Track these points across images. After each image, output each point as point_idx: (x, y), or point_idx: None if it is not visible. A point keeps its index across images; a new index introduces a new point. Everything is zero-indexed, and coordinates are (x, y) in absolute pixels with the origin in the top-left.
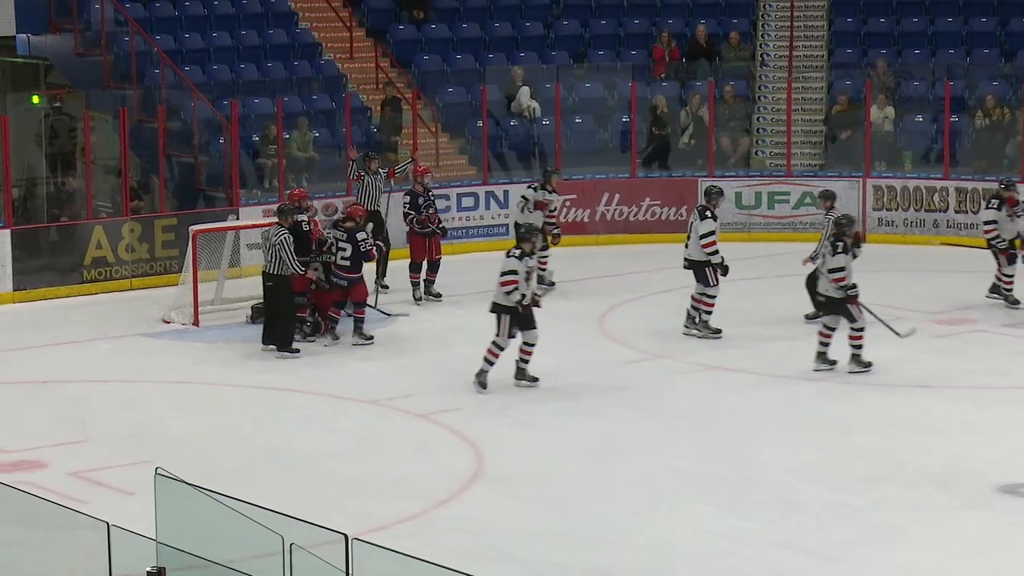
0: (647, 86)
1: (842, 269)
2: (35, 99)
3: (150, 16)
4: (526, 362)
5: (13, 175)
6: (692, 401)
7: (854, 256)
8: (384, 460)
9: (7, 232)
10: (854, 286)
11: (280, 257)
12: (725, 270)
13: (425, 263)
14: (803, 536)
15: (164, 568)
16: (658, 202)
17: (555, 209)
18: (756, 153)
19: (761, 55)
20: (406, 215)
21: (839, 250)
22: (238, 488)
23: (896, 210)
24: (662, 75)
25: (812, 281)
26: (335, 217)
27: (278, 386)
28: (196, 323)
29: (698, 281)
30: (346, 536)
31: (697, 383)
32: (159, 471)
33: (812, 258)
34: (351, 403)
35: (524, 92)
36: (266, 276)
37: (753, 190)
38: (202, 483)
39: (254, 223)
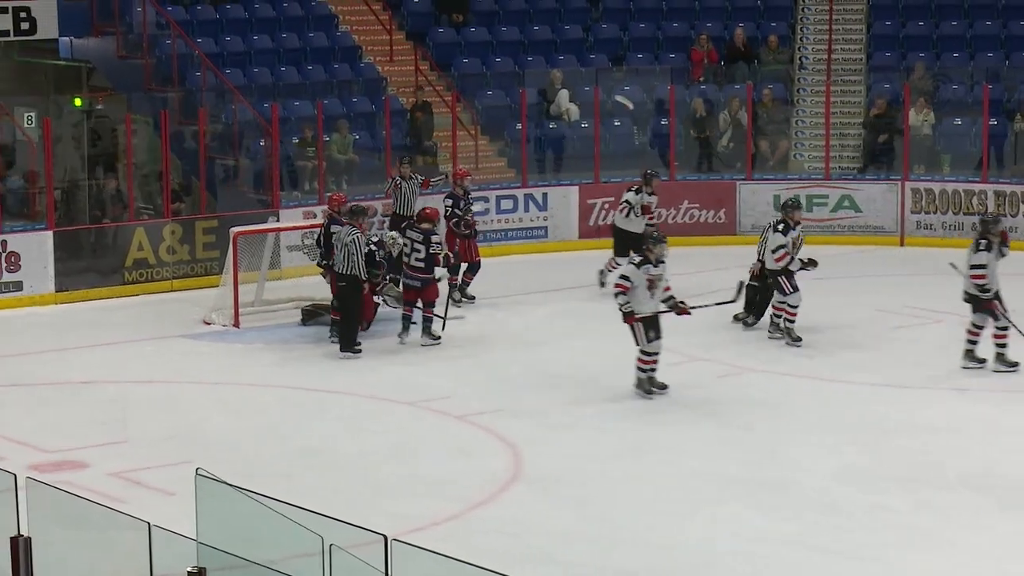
0: (686, 89)
1: (984, 267)
2: (77, 102)
3: (191, 19)
4: (647, 371)
5: (55, 176)
6: (731, 403)
7: (1002, 255)
8: (423, 461)
9: (49, 233)
10: (988, 288)
11: (351, 257)
12: (813, 264)
13: (464, 265)
14: (841, 539)
15: (205, 568)
16: (696, 205)
17: (655, 212)
18: (794, 156)
19: (800, 58)
20: (448, 217)
21: (981, 247)
22: (277, 488)
23: (935, 213)
24: (701, 78)
25: (752, 288)
26: (375, 219)
27: (318, 387)
28: (236, 324)
29: (775, 291)
30: (385, 537)
31: (736, 385)
32: (199, 471)
33: (759, 261)
34: (390, 404)
35: (563, 95)
36: (338, 276)
37: (791, 193)
38: (242, 483)
39: (294, 225)
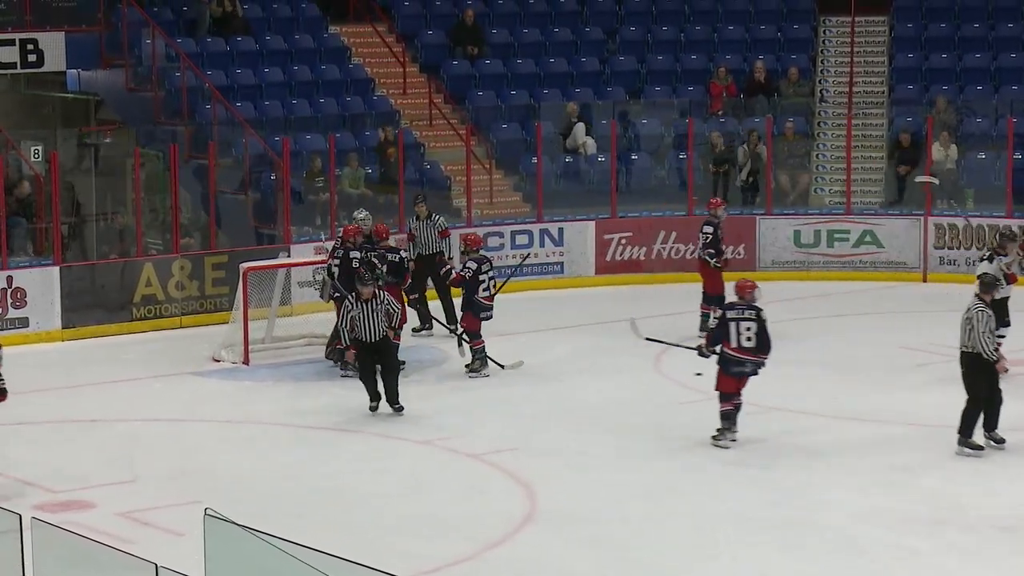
0: (704, 123)
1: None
2: (85, 136)
3: (201, 51)
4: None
5: (62, 211)
6: (753, 442)
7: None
8: (437, 501)
9: (56, 268)
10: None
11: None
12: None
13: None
14: None
15: None
16: None
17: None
18: (815, 190)
19: (821, 91)
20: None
21: (984, 258)
22: (289, 529)
23: (958, 249)
24: (719, 111)
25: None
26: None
27: (329, 426)
28: (246, 362)
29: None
30: None
31: (758, 424)
32: (208, 511)
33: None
34: (403, 443)
35: (579, 128)
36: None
37: (812, 228)
38: (252, 524)
39: (305, 260)
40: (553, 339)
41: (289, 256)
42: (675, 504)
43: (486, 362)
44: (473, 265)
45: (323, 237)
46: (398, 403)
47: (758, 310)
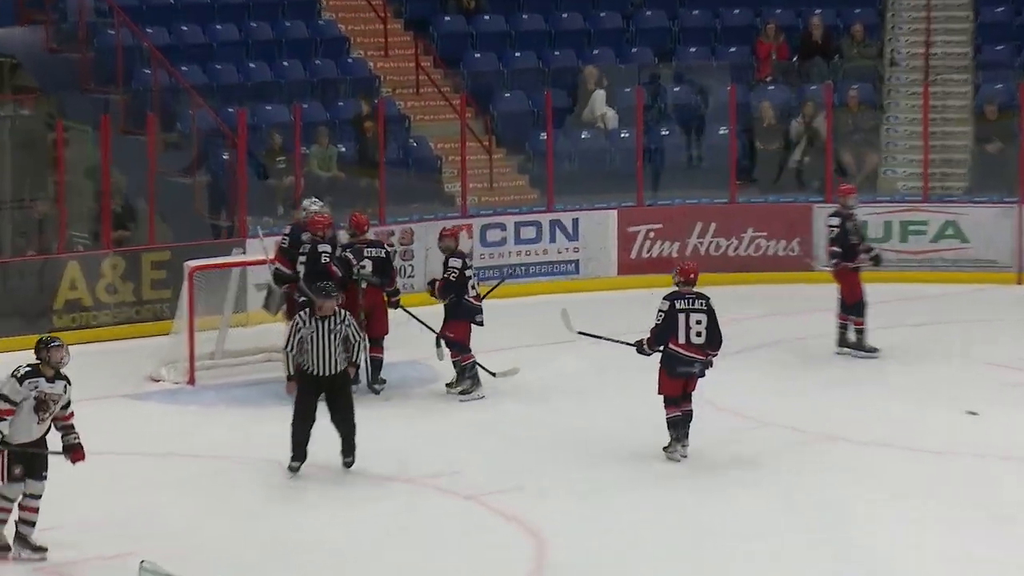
0: (749, 91)
1: None
2: None
3: (140, 5)
4: None
5: None
6: (805, 477)
7: None
8: (426, 552)
9: None
10: None
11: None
12: None
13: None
14: None
15: None
16: (763, 234)
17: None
18: (884, 173)
19: (891, 53)
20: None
21: None
22: None
23: None
24: (768, 77)
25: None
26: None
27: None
28: (192, 382)
29: None
30: None
31: (812, 455)
32: (145, 565)
33: None
34: (384, 482)
35: (598, 97)
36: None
37: (882, 219)
38: None
39: (264, 258)
40: (564, 353)
41: (245, 253)
42: (710, 551)
43: (478, 379)
44: (457, 263)
45: (264, 230)
46: (352, 456)
47: (706, 299)
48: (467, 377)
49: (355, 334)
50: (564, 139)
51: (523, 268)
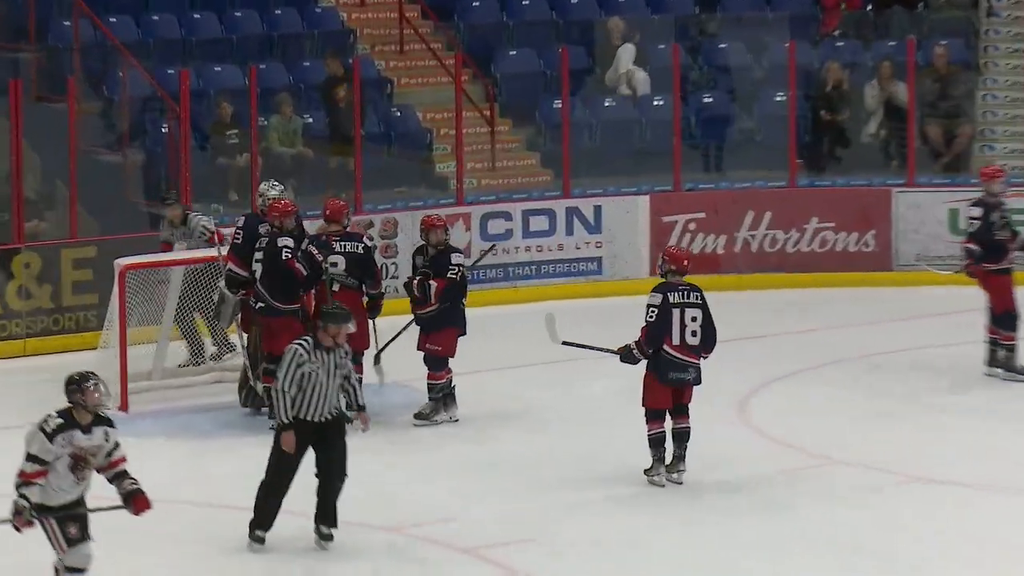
0: (813, 48)
1: None
2: None
3: None
4: None
5: None
6: (875, 526)
7: None
8: None
9: None
10: None
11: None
12: None
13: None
14: None
15: None
16: (830, 224)
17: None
18: (981, 149)
19: (989, 1)
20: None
21: None
22: None
23: None
24: (836, 31)
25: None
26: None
27: (250, 505)
28: (124, 407)
29: None
30: None
31: (882, 499)
32: None
33: None
34: (363, 531)
35: (625, 56)
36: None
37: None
38: None
39: (213, 255)
40: (586, 371)
41: (189, 248)
42: None
43: (452, 401)
44: (460, 258)
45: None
46: (333, 524)
47: (700, 291)
48: (432, 398)
49: (352, 374)
50: (583, 108)
51: (533, 268)
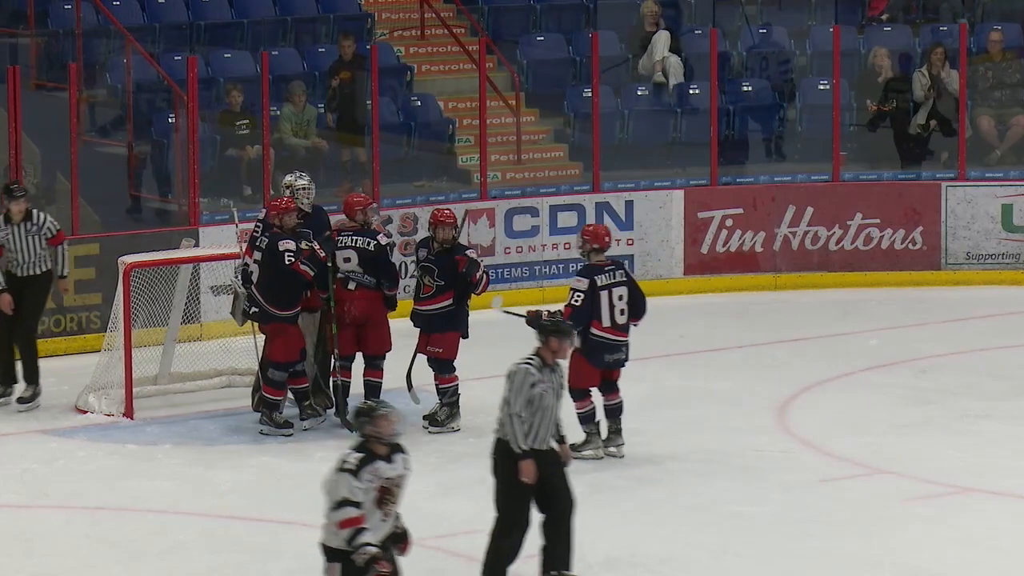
0: (858, 33)
1: None
2: None
3: None
4: None
5: None
6: (933, 543)
7: None
8: None
9: None
10: None
11: None
12: None
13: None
14: None
15: None
16: (875, 221)
17: None
18: None
19: None
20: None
21: None
22: None
23: None
24: (883, 15)
25: None
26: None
27: (262, 516)
28: (129, 414)
29: None
30: None
31: (941, 515)
32: None
33: None
34: None
35: (660, 41)
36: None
37: None
38: None
39: (222, 252)
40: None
41: (197, 245)
42: None
43: (457, 407)
44: (474, 254)
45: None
46: (567, 566)
47: (623, 266)
48: (444, 403)
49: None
50: (613, 97)
51: (560, 266)
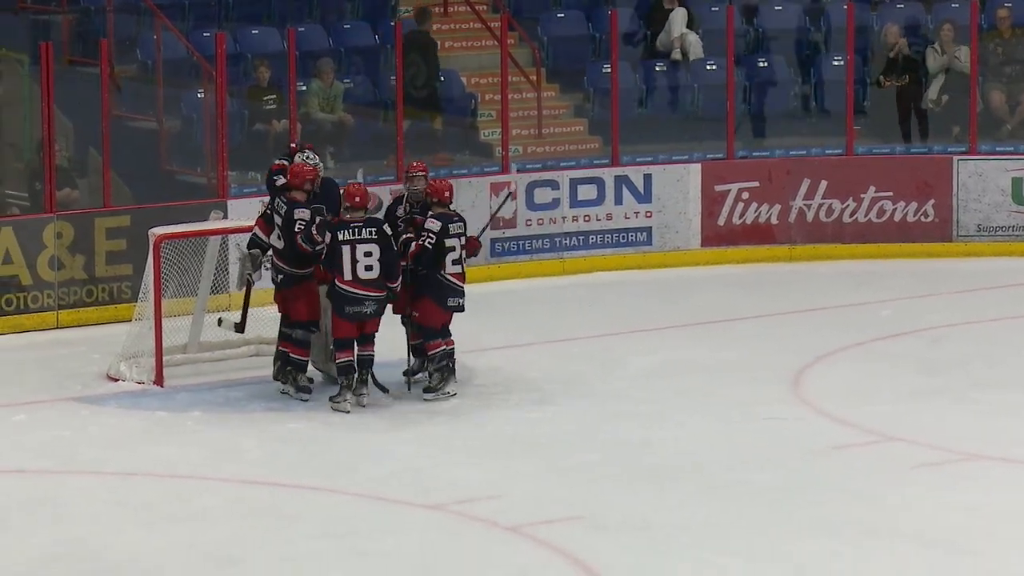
0: (871, 10)
1: None
2: None
3: None
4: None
5: None
6: (940, 510)
7: None
8: None
9: None
10: None
11: None
12: None
13: None
14: None
15: None
16: (888, 194)
17: None
18: None
19: None
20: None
21: None
22: None
23: None
24: None
25: None
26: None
27: (286, 481)
28: (159, 382)
29: None
30: None
31: (950, 481)
32: None
33: None
34: (403, 508)
35: (677, 18)
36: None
37: None
38: None
39: (250, 224)
40: (630, 347)
41: (226, 217)
42: None
43: (452, 371)
44: (436, 225)
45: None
46: None
47: (379, 224)
48: (435, 370)
49: None
50: (632, 72)
51: (581, 238)
